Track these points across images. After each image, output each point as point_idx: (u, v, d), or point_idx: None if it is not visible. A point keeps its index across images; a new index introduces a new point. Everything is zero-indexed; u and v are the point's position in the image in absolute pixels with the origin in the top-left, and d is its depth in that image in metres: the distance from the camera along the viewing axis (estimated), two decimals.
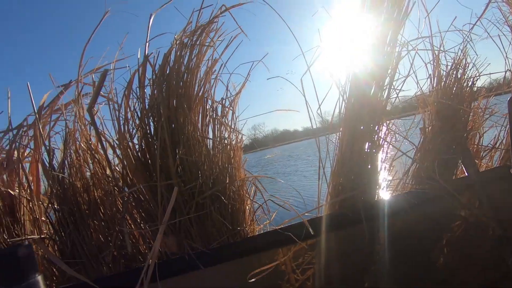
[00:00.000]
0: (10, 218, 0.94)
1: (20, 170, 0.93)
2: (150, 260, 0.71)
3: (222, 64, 0.99)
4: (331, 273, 1.23)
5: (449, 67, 1.03)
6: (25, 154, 0.94)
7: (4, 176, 0.92)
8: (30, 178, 0.93)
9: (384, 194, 1.20)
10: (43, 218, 0.92)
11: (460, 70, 1.02)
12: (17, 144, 0.92)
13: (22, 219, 0.95)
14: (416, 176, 1.14)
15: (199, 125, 0.97)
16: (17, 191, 0.93)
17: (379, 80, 1.01)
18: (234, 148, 0.99)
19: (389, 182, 1.19)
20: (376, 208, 1.13)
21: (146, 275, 0.79)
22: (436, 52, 1.03)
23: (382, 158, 1.15)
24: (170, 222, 0.92)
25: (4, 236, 0.91)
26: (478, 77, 1.04)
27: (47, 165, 0.83)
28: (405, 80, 1.02)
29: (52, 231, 0.88)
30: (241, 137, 1.01)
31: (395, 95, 1.02)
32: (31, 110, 0.86)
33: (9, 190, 0.92)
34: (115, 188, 0.88)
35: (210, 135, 0.98)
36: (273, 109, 1.04)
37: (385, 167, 1.18)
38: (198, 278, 1.04)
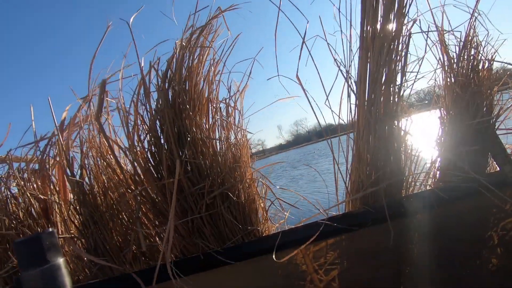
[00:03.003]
0: (45, 220, 1.05)
1: (51, 177, 1.04)
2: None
3: (223, 65, 0.99)
4: (357, 274, 1.17)
5: (458, 47, 0.91)
6: (51, 163, 1.04)
7: (38, 182, 1.03)
8: (58, 184, 1.03)
9: (410, 190, 1.10)
10: (72, 220, 1.01)
11: (472, 50, 0.89)
12: (46, 154, 1.02)
13: (55, 221, 1.06)
14: (444, 170, 1.02)
15: (206, 126, 0.99)
16: (50, 196, 1.04)
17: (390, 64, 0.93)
18: (241, 147, 0.99)
19: (414, 177, 1.09)
20: (402, 205, 1.04)
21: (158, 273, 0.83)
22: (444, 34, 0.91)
23: (405, 151, 1.05)
24: (181, 221, 0.95)
25: None
26: (495, 55, 0.89)
27: (69, 173, 0.91)
28: (420, 63, 0.92)
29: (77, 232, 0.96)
30: (245, 136, 1.00)
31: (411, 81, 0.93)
32: (52, 122, 0.95)
33: (42, 195, 1.02)
34: (128, 190, 0.93)
35: (218, 135, 0.99)
36: (276, 106, 1.01)
37: (409, 161, 1.08)
38: (214, 277, 1.05)
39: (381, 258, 1.12)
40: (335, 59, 0.86)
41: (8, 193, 1.05)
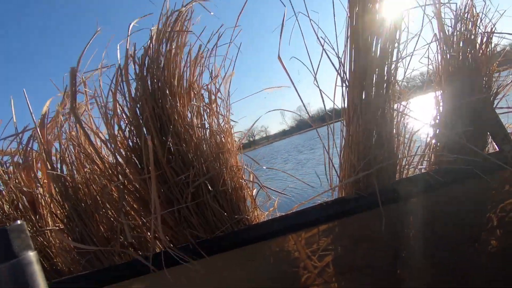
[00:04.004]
0: (32, 213, 1.04)
1: (36, 170, 1.02)
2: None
3: (207, 51, 0.95)
4: (351, 259, 1.15)
5: (454, 20, 0.84)
6: (35, 155, 1.02)
7: (23, 175, 1.01)
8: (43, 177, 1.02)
9: (405, 173, 1.06)
10: (55, 213, 1.00)
11: (470, 23, 0.82)
12: (30, 147, 1.00)
13: (43, 213, 1.05)
14: (439, 152, 0.98)
15: (188, 113, 0.95)
16: (35, 189, 1.03)
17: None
18: (225, 135, 0.96)
19: (409, 159, 1.04)
20: (394, 189, 1.00)
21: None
22: (437, 6, 0.84)
23: (398, 134, 1.01)
24: (166, 211, 0.94)
25: (28, 228, 1.01)
26: (494, 28, 0.83)
27: (49, 166, 0.89)
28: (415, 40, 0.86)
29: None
30: (229, 123, 0.96)
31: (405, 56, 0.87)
32: (34, 113, 0.92)
33: (27, 188, 1.01)
34: (112, 181, 0.91)
35: (201, 123, 0.96)
36: (263, 91, 0.97)
37: (403, 144, 1.03)
38: (203, 266, 1.04)
39: (374, 243, 1.10)
40: (317, 36, 0.80)
41: None
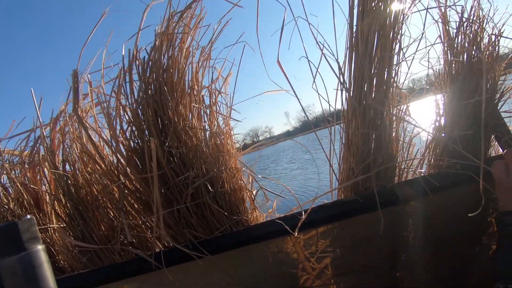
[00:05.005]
0: (37, 210, 1.07)
1: (43, 168, 1.05)
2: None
3: (208, 51, 0.96)
4: (349, 261, 1.15)
5: (459, 21, 0.84)
6: (41, 155, 1.05)
7: (28, 174, 1.04)
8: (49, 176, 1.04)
9: (403, 176, 1.06)
10: (58, 212, 1.03)
11: (476, 25, 0.82)
12: (37, 146, 1.03)
13: (47, 211, 1.07)
14: (439, 156, 0.97)
15: (190, 115, 0.97)
16: (40, 187, 1.05)
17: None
18: (225, 137, 0.97)
19: (408, 163, 1.04)
20: (393, 192, 1.00)
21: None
22: (443, 9, 0.84)
23: (397, 137, 1.01)
24: (165, 211, 0.95)
25: None
26: (502, 28, 0.82)
27: (52, 165, 0.92)
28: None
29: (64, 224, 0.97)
30: (229, 125, 0.98)
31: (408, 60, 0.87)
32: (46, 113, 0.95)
33: (33, 186, 1.04)
34: (113, 181, 0.93)
35: (201, 125, 0.97)
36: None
37: (402, 147, 1.03)
38: (203, 266, 1.05)
39: (372, 245, 1.10)
40: (317, 41, 0.81)
41: None
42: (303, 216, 0.98)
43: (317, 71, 0.84)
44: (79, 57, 0.86)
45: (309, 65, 0.90)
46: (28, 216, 0.48)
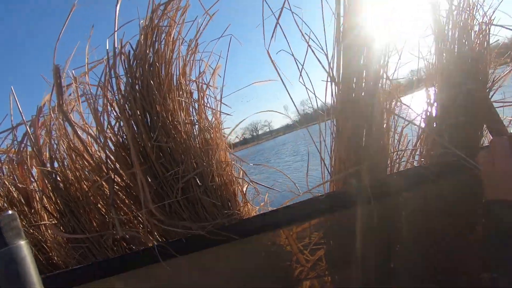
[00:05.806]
0: (27, 208, 1.06)
1: (28, 165, 1.04)
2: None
3: (196, 44, 0.94)
4: (343, 253, 1.16)
5: (449, 9, 0.82)
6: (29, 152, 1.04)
7: (16, 171, 1.03)
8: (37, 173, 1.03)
9: (395, 168, 1.05)
10: (48, 209, 1.02)
11: (465, 14, 0.80)
12: (24, 143, 1.02)
13: (37, 208, 1.07)
14: (432, 147, 0.97)
15: (177, 108, 0.95)
16: (29, 184, 1.04)
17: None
18: (214, 130, 0.96)
19: (400, 154, 1.04)
20: (384, 184, 1.00)
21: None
22: None
23: (388, 129, 1.00)
24: (156, 205, 0.95)
25: (23, 223, 1.03)
26: (493, 17, 0.81)
27: (39, 162, 0.91)
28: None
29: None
30: (218, 119, 0.96)
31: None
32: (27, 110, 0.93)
33: (21, 184, 1.03)
34: (101, 177, 0.92)
35: (189, 119, 0.96)
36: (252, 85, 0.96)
37: (395, 138, 1.03)
38: (198, 259, 1.06)
39: (365, 237, 1.10)
40: (302, 33, 0.79)
41: None
42: (295, 209, 0.98)
43: (302, 66, 0.83)
44: (54, 50, 0.83)
45: (294, 59, 0.88)
46: (10, 212, 0.47)
